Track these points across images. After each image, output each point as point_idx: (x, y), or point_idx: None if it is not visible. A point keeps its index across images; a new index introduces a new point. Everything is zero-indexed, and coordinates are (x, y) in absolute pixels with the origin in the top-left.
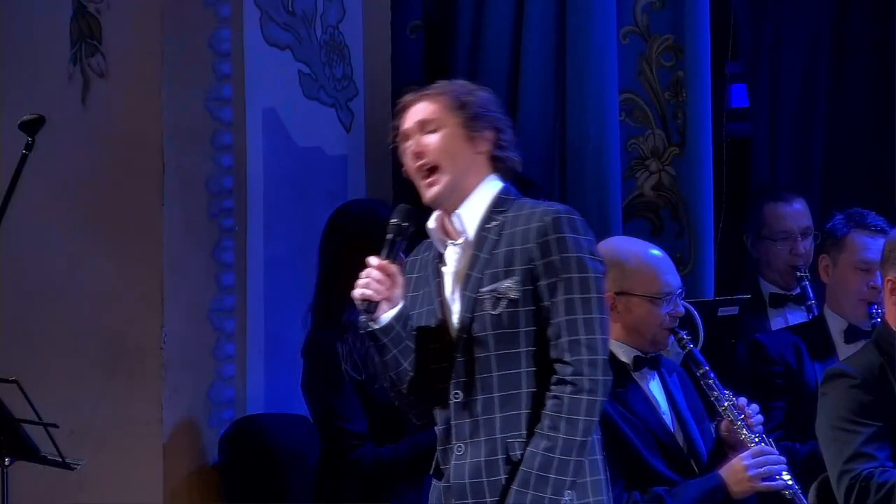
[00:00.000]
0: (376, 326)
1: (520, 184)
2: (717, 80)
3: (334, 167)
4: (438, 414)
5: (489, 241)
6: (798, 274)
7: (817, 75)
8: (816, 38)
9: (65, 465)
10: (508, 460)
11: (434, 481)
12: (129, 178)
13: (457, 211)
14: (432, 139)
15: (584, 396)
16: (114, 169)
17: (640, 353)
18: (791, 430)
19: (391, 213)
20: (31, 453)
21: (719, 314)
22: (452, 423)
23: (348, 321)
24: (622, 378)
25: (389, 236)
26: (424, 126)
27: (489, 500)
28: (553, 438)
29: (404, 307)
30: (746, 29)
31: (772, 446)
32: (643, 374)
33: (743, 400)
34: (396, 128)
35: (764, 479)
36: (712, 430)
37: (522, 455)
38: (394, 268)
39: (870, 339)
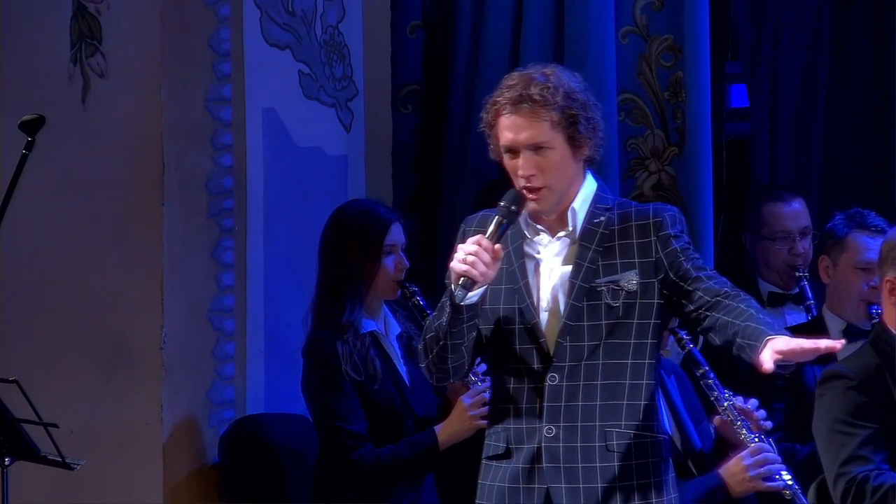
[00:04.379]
0: (467, 303)
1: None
2: (716, 80)
3: (334, 167)
4: (515, 393)
5: (599, 235)
6: (797, 274)
7: (817, 75)
8: (816, 38)
9: (65, 465)
10: (606, 449)
11: (494, 462)
12: (129, 178)
13: (573, 206)
14: (541, 161)
15: None
16: (114, 169)
17: None
18: (791, 430)
19: (390, 213)
20: (31, 453)
21: None
22: (545, 405)
23: (348, 321)
24: None
25: (497, 218)
26: (534, 147)
27: (582, 485)
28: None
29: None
30: (746, 29)
31: (771, 446)
32: None
33: (752, 402)
34: (492, 115)
35: (764, 479)
36: (711, 430)
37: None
38: (501, 252)
39: (868, 339)
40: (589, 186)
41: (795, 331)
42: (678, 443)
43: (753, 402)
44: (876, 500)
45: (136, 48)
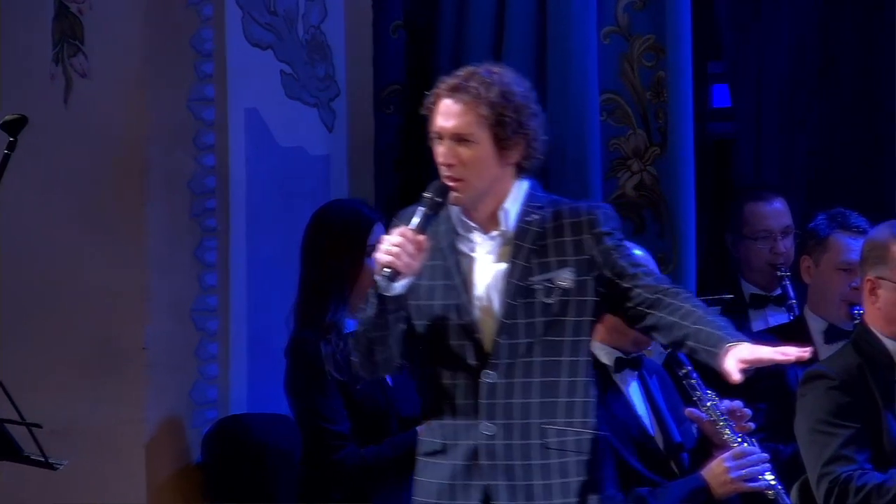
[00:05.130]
0: (392, 294)
1: None
2: (699, 79)
3: (317, 167)
4: (450, 389)
5: (532, 233)
6: (778, 273)
7: (800, 74)
8: (800, 37)
9: (48, 466)
10: (544, 446)
11: (430, 459)
12: (112, 179)
13: (505, 206)
14: (463, 153)
15: None
16: (97, 169)
17: (621, 355)
18: (773, 431)
19: (373, 213)
20: (14, 453)
21: None
22: (482, 402)
23: (331, 321)
24: (603, 381)
25: (422, 209)
26: (457, 137)
27: (519, 483)
28: (699, 306)
29: (415, 278)
30: (729, 29)
31: (754, 446)
32: (624, 377)
33: (736, 403)
34: (433, 99)
35: (746, 481)
36: (693, 430)
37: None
38: (425, 242)
39: (849, 339)
40: (520, 187)
41: (777, 331)
42: (660, 443)
43: (738, 403)
44: (859, 499)
45: (118, 48)
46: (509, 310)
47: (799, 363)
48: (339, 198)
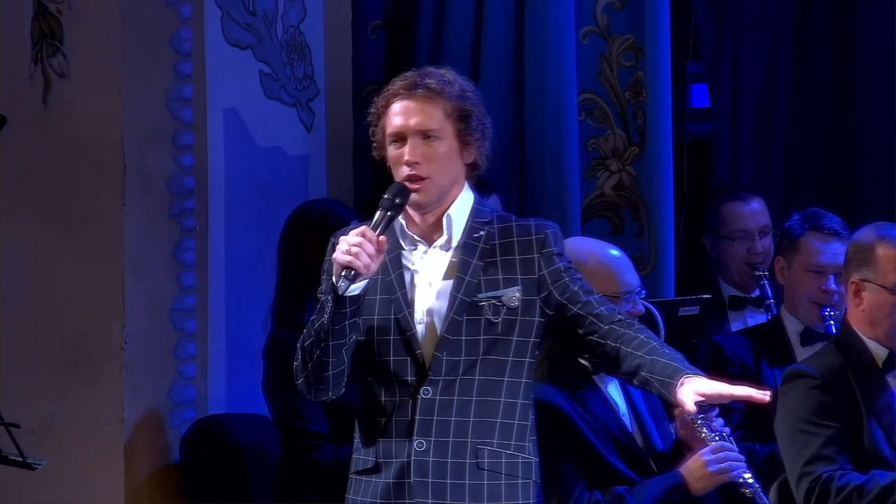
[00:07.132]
0: (350, 294)
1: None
2: (677, 80)
3: (295, 167)
4: (387, 406)
5: (481, 250)
6: (756, 273)
7: (778, 75)
8: (776, 38)
9: (26, 466)
10: (477, 466)
11: (363, 477)
12: (91, 178)
13: (448, 212)
14: (430, 150)
15: None
16: (75, 169)
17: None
18: (750, 431)
19: (347, 212)
20: None
21: (680, 314)
22: (417, 417)
23: (308, 322)
24: (582, 380)
25: (381, 211)
26: (423, 133)
27: (450, 502)
28: (652, 338)
29: (369, 282)
30: (707, 29)
31: (732, 444)
32: (602, 377)
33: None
34: (383, 104)
35: (724, 474)
36: (672, 430)
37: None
38: (385, 244)
39: (826, 341)
40: (466, 197)
41: (754, 331)
42: (639, 442)
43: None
44: (840, 500)
45: (97, 48)
46: (453, 325)
47: (776, 364)
48: (317, 198)
